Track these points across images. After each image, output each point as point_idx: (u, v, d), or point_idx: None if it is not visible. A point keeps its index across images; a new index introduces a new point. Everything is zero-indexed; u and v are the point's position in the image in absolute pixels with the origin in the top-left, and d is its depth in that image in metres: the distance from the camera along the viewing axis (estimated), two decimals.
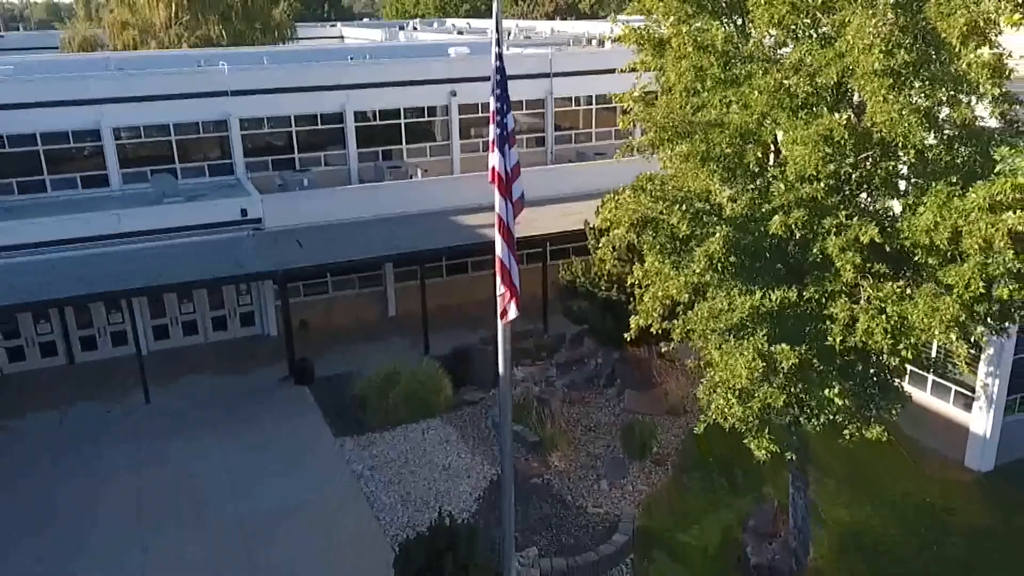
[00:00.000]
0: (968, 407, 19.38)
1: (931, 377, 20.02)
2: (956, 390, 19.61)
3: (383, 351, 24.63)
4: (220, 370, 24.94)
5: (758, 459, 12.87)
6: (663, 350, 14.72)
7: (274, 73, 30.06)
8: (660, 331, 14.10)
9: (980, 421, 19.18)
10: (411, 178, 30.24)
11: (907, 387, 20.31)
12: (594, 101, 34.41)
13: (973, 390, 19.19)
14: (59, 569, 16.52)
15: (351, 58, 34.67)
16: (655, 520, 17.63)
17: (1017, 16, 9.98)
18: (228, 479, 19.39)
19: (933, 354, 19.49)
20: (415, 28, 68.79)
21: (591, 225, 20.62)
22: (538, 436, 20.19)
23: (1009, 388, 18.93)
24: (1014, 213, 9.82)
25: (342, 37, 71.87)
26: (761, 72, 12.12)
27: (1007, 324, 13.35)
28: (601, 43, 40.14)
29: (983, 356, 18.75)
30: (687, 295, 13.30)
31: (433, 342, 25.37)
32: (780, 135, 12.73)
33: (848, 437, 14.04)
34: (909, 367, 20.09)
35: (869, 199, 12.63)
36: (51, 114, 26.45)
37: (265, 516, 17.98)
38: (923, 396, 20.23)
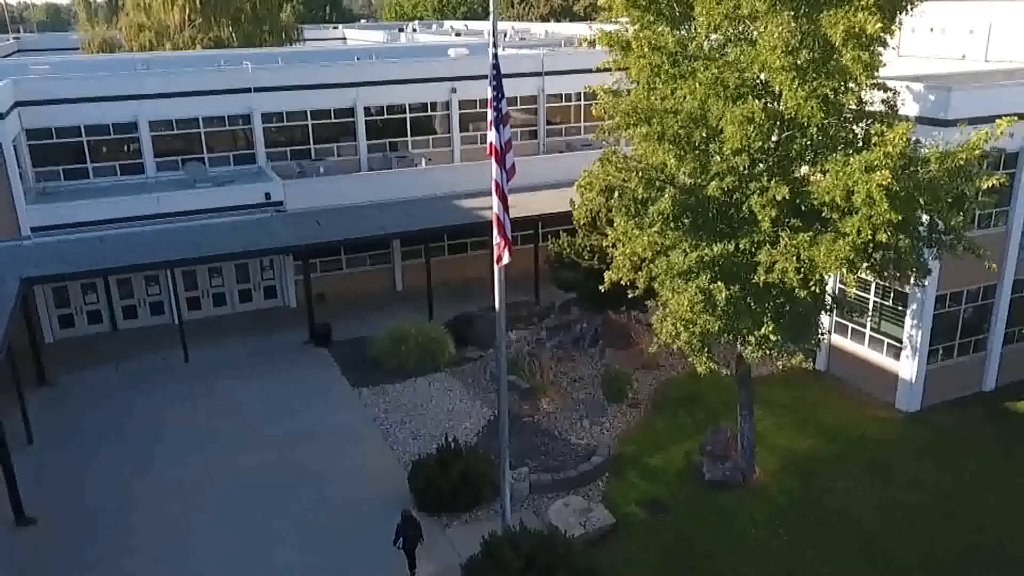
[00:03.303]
0: (897, 356, 22.57)
1: (868, 332, 23.23)
2: (888, 342, 22.81)
3: (392, 319, 27.67)
4: (248, 334, 28.20)
5: (701, 374, 16.08)
6: (631, 296, 17.84)
7: (293, 71, 33.26)
8: (629, 282, 17.32)
9: (907, 368, 22.37)
10: (416, 166, 33.43)
11: (849, 342, 23.70)
12: (582, 97, 37.53)
13: (901, 341, 22.40)
14: (143, 454, 21.08)
15: (357, 58, 37.85)
16: (628, 448, 20.84)
17: (880, 25, 13.16)
18: (262, 412, 22.93)
19: (871, 306, 22.85)
20: (414, 30, 71.89)
21: (576, 204, 23.85)
22: (529, 384, 23.35)
23: (931, 339, 22.14)
24: (879, 173, 13.03)
25: (344, 39, 74.92)
26: (702, 68, 15.29)
27: (910, 274, 16.55)
28: (592, 44, 43.23)
29: (908, 311, 21.98)
30: (651, 253, 16.56)
31: (437, 311, 28.53)
32: None
33: (781, 367, 17.38)
34: (851, 325, 23.44)
35: (791, 167, 15.81)
36: (95, 108, 29.60)
37: (296, 438, 21.56)
38: (860, 348, 23.47)
